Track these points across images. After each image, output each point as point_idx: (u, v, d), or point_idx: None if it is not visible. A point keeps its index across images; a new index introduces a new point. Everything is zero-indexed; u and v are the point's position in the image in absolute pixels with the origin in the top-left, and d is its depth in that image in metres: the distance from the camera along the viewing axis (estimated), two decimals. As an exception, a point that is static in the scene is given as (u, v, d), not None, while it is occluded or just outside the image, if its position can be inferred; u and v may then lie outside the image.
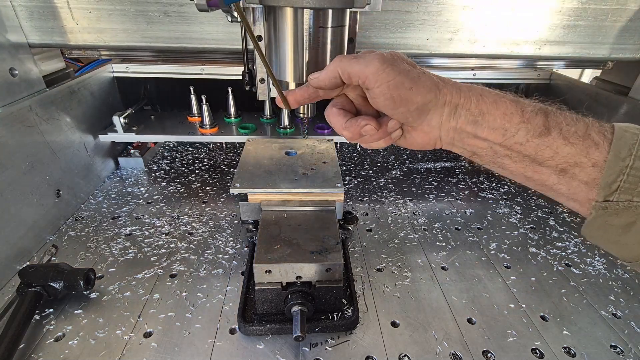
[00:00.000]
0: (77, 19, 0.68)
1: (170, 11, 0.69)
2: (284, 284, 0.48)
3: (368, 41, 0.74)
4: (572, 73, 1.00)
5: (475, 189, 0.86)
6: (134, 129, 0.86)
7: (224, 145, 1.05)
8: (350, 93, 0.39)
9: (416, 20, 0.72)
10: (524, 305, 0.55)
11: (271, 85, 0.61)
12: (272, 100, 0.59)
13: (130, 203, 0.77)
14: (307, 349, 0.47)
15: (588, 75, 1.28)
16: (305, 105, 0.53)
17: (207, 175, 0.89)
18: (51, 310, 0.52)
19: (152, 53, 0.84)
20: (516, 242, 0.69)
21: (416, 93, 0.33)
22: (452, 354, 0.47)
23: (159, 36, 0.71)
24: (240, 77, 0.67)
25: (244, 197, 0.59)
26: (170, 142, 1.05)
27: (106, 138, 0.84)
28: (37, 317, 0.50)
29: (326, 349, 0.47)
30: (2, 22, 0.64)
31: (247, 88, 0.55)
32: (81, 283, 0.51)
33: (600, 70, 0.94)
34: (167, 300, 0.54)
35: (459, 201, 0.81)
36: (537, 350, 0.48)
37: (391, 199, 0.81)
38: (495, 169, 0.36)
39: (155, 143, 0.98)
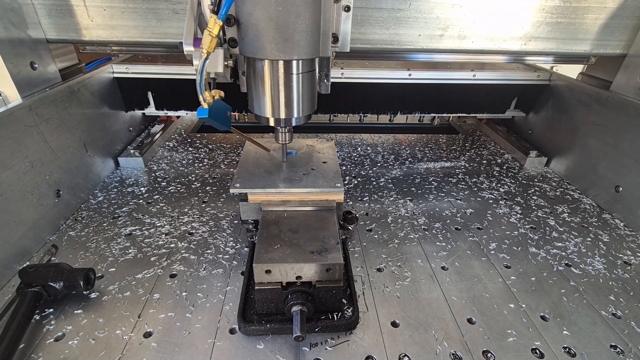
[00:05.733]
0: (92, 17, 0.72)
1: (179, 9, 0.72)
2: (284, 284, 0.48)
3: (364, 37, 0.76)
4: (573, 73, 1.00)
5: (475, 189, 0.86)
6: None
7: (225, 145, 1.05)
8: None
9: (408, 17, 0.75)
10: (524, 305, 0.55)
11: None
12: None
13: (130, 203, 0.77)
14: (307, 349, 0.47)
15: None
16: (284, 136, 0.61)
17: (207, 175, 0.89)
18: (51, 310, 0.52)
19: (161, 49, 0.87)
20: (516, 242, 0.69)
21: None
22: (452, 354, 0.47)
23: (167, 32, 0.74)
24: None
25: (244, 197, 0.59)
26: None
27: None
28: (37, 317, 0.50)
29: (326, 349, 0.47)
30: (24, 19, 0.67)
31: (231, 80, 0.57)
32: (81, 283, 0.51)
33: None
34: (167, 300, 0.54)
35: (459, 201, 0.81)
36: (537, 350, 0.48)
37: (391, 199, 0.81)
38: None
39: (178, 117, 1.18)
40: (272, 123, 0.56)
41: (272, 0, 0.44)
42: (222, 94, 0.49)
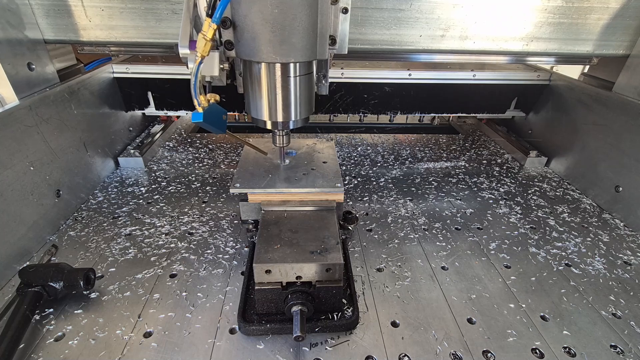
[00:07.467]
0: (90, 17, 0.71)
1: (178, 9, 0.71)
2: (284, 284, 0.48)
3: (364, 37, 0.76)
4: (572, 73, 1.00)
5: (475, 189, 0.86)
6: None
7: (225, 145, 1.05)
8: None
9: (409, 17, 0.74)
10: (524, 305, 0.55)
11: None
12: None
13: (130, 203, 0.77)
14: (307, 349, 0.47)
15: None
16: (281, 139, 0.61)
17: (207, 175, 0.89)
18: (51, 310, 0.52)
19: (160, 49, 0.86)
20: (516, 242, 0.69)
21: None
22: (452, 354, 0.47)
23: (167, 33, 0.73)
24: None
25: (244, 197, 0.59)
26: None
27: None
28: (37, 317, 0.50)
29: (326, 349, 0.47)
30: (21, 19, 0.67)
31: (228, 81, 0.56)
32: (81, 283, 0.51)
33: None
34: (167, 300, 0.54)
35: (459, 201, 0.81)
36: (537, 350, 0.48)
37: (391, 199, 0.81)
38: None
39: (178, 117, 1.17)
40: (269, 126, 0.56)
41: (268, 2, 0.44)
42: (218, 97, 0.49)
